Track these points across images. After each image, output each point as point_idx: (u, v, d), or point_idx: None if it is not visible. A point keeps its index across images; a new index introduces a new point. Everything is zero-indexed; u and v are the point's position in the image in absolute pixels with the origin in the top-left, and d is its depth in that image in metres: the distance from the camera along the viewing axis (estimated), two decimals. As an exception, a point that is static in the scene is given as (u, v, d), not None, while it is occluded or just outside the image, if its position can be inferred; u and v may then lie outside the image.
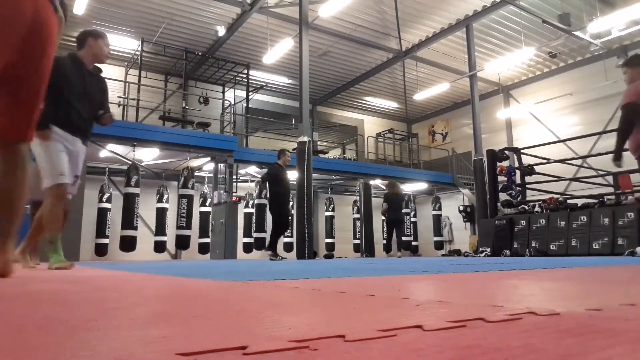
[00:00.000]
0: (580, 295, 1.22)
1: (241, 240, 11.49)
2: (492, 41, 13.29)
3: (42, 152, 3.29)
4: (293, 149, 11.75)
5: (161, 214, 10.86)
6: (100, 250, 10.79)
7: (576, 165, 11.29)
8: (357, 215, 14.34)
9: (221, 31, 12.22)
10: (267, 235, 12.42)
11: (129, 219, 9.83)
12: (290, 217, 9.41)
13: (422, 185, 15.42)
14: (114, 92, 12.11)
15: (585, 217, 7.51)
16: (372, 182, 13.95)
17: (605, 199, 8.12)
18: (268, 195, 8.32)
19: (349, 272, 2.49)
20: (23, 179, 1.93)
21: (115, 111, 11.33)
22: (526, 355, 0.45)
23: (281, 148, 8.55)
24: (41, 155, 3.30)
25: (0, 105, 1.82)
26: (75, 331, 0.65)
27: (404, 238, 14.97)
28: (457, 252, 13.75)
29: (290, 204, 9.34)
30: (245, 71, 13.80)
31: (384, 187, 10.94)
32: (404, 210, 12.24)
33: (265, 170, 8.92)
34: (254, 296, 1.25)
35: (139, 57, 12.12)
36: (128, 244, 9.85)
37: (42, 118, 2.41)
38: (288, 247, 13.49)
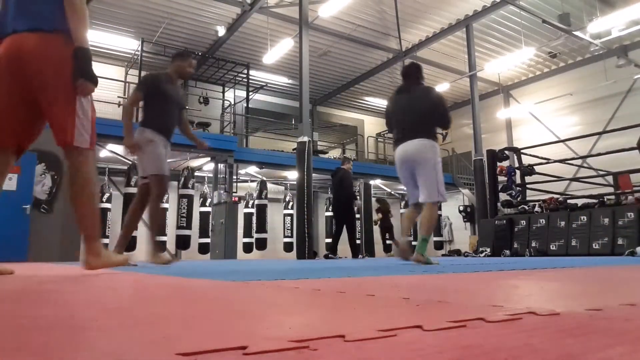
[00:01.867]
0: (580, 295, 1.22)
1: (241, 240, 11.49)
2: (492, 41, 13.29)
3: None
4: (293, 149, 11.75)
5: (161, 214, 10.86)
6: (100, 251, 10.79)
7: (576, 165, 11.29)
8: (357, 215, 14.33)
9: (221, 31, 12.22)
10: (266, 236, 12.47)
11: (128, 219, 9.83)
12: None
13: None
14: (114, 92, 12.13)
15: (585, 217, 7.51)
16: (372, 182, 13.94)
17: (605, 199, 8.12)
18: (335, 199, 8.46)
19: (349, 272, 2.49)
20: (80, 182, 2.23)
21: (115, 111, 11.39)
22: (526, 355, 0.45)
23: (344, 156, 8.96)
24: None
25: (52, 124, 2.24)
26: (75, 331, 0.65)
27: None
28: (457, 252, 13.74)
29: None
30: (245, 71, 13.79)
31: (377, 203, 11.97)
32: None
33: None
34: (254, 296, 1.25)
35: (139, 57, 12.12)
36: (128, 244, 9.84)
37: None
38: (288, 247, 13.49)
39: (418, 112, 3.89)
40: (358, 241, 14.19)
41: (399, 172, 4.06)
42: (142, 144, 3.94)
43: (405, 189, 4.20)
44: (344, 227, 8.19)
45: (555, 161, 9.77)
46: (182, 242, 10.66)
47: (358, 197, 8.45)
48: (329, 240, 14.22)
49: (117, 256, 2.41)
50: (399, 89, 4.23)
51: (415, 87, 4.09)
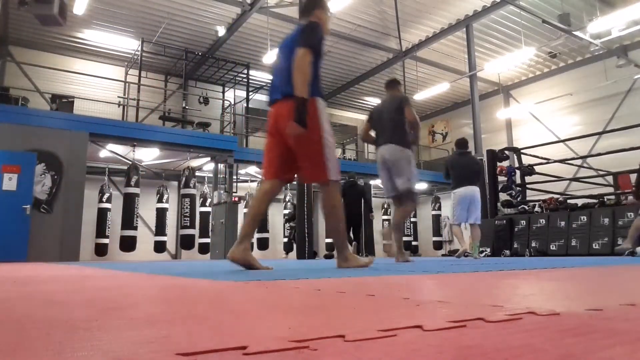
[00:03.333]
0: (580, 295, 1.22)
1: (241, 240, 11.46)
2: (492, 41, 13.29)
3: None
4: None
5: (161, 214, 10.87)
6: (100, 251, 10.79)
7: (576, 165, 11.29)
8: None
9: (221, 31, 12.22)
10: (268, 235, 12.47)
11: (129, 219, 9.83)
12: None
13: (422, 185, 15.42)
14: (114, 92, 12.14)
15: (585, 217, 7.51)
16: (372, 182, 13.94)
17: (605, 199, 8.12)
18: (354, 211, 8.66)
19: (349, 272, 2.49)
20: (328, 206, 2.99)
21: (115, 111, 11.40)
22: (526, 355, 0.45)
23: (355, 173, 9.55)
24: None
25: (301, 167, 3.01)
26: (75, 331, 0.65)
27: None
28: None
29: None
30: (245, 71, 13.79)
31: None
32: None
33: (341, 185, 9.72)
34: (254, 296, 1.25)
35: (139, 57, 12.12)
36: (128, 244, 9.85)
37: None
38: (288, 247, 13.50)
39: (474, 169, 6.47)
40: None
41: (461, 203, 6.32)
42: (403, 162, 4.37)
43: (458, 211, 6.34)
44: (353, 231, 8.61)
45: (555, 161, 9.76)
46: (186, 242, 10.66)
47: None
48: (330, 240, 14.26)
49: (362, 259, 3.04)
50: (459, 153, 6.53)
51: (468, 152, 6.66)
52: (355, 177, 9.37)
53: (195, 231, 10.80)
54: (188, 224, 10.48)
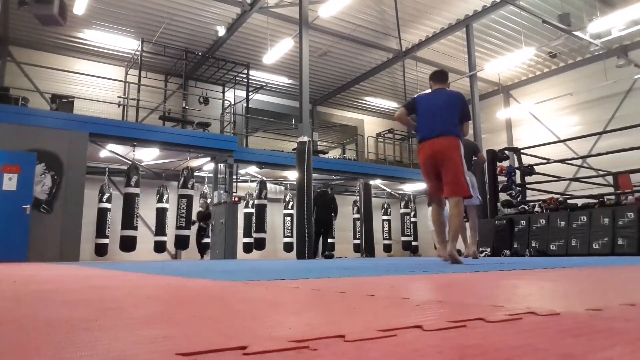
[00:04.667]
0: (580, 295, 1.22)
1: (241, 240, 11.48)
2: (492, 41, 13.29)
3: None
4: (293, 149, 11.76)
5: (161, 214, 10.86)
6: (100, 251, 10.78)
7: (576, 165, 11.28)
8: (357, 215, 14.34)
9: (221, 31, 12.22)
10: (265, 235, 12.49)
11: (129, 219, 9.82)
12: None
13: (422, 185, 15.40)
14: (114, 92, 12.14)
15: (585, 217, 7.50)
16: (372, 182, 13.95)
17: (605, 199, 8.12)
18: (322, 216, 10.13)
19: (349, 272, 2.49)
20: (456, 213, 4.12)
21: (115, 111, 11.40)
22: (526, 355, 0.45)
23: (329, 183, 10.20)
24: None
25: (447, 183, 4.07)
26: (75, 331, 0.65)
27: (403, 238, 15.35)
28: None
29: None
30: (245, 71, 13.79)
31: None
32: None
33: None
34: (254, 296, 1.25)
35: (139, 57, 12.12)
36: (128, 244, 9.85)
37: None
38: (288, 247, 13.50)
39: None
40: (357, 242, 14.30)
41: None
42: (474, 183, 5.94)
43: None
44: (322, 234, 10.20)
45: (555, 161, 9.76)
46: (181, 243, 10.65)
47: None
48: (330, 240, 14.26)
49: (458, 258, 4.06)
50: None
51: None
52: (328, 188, 10.67)
53: (191, 232, 10.78)
54: (183, 225, 10.46)
